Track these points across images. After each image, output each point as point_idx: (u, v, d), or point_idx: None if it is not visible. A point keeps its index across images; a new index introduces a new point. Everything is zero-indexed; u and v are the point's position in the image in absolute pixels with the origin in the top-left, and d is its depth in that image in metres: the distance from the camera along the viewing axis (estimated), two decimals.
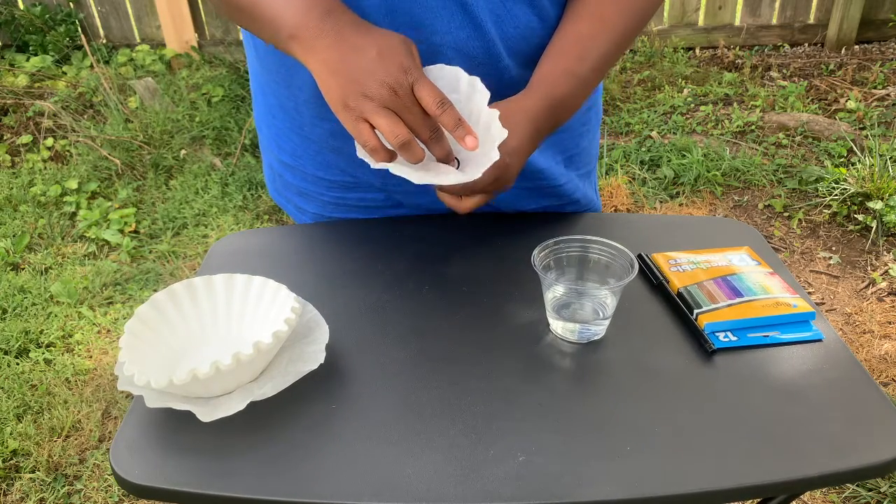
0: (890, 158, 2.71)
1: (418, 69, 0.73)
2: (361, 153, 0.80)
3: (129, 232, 2.73)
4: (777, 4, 3.80)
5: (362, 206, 1.04)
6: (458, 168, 0.81)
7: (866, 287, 2.28)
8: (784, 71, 3.64)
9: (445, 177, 0.78)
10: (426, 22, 0.84)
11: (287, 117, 0.99)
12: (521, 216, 1.03)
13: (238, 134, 3.28)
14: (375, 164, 0.77)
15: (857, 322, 2.14)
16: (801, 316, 0.81)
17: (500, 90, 0.89)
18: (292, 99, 0.95)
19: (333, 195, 1.04)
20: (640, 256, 0.92)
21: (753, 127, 3.17)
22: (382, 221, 1.04)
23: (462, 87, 0.81)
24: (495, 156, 0.77)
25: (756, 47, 3.89)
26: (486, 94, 0.79)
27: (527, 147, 0.85)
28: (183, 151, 3.22)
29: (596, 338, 0.80)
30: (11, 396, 1.99)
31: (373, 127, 0.74)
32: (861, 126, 3.10)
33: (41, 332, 2.23)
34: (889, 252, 2.42)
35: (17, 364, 2.11)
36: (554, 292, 0.80)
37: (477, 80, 0.81)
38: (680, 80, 3.61)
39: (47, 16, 4.07)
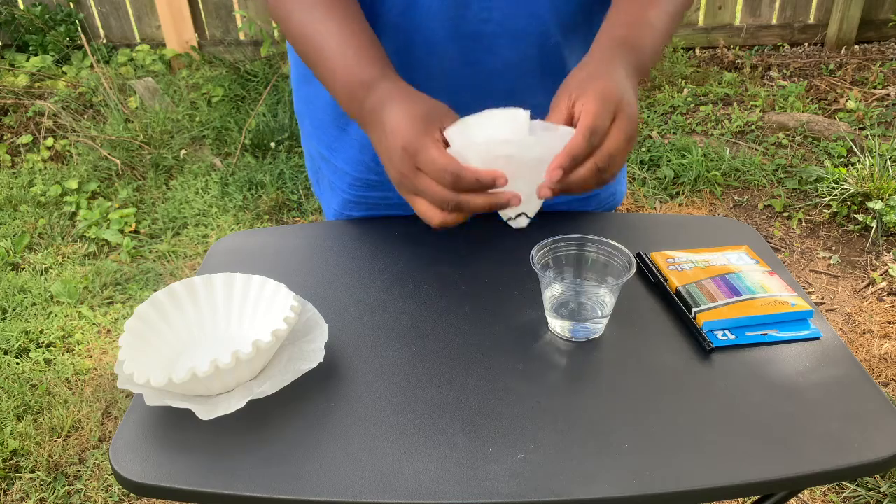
0: (890, 158, 2.71)
1: (423, 145, 0.68)
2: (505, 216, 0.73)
3: (129, 232, 2.73)
4: (777, 4, 3.80)
5: (384, 203, 1.05)
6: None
7: (866, 287, 2.28)
8: (784, 71, 3.64)
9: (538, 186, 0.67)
10: (477, 3, 0.83)
11: (329, 107, 1.00)
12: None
13: (238, 134, 3.28)
14: (516, 225, 0.71)
15: (857, 322, 2.14)
16: (800, 314, 0.81)
17: (542, 58, 0.87)
18: None
19: (356, 193, 1.05)
20: (638, 255, 0.92)
21: (753, 127, 3.17)
22: (382, 221, 1.04)
23: (505, 126, 0.71)
24: (565, 131, 0.67)
25: (756, 47, 3.89)
26: (526, 119, 0.71)
27: (616, 75, 0.73)
28: (183, 151, 3.22)
29: (594, 336, 0.80)
30: (11, 396, 1.99)
31: None
32: (861, 126, 3.10)
33: (41, 332, 2.23)
34: (889, 252, 2.42)
35: (17, 364, 2.11)
36: (552, 291, 0.81)
37: (517, 113, 0.71)
38: (680, 79, 3.61)
39: (47, 16, 4.07)
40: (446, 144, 0.70)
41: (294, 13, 0.80)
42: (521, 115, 0.70)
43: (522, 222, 0.71)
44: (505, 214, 0.72)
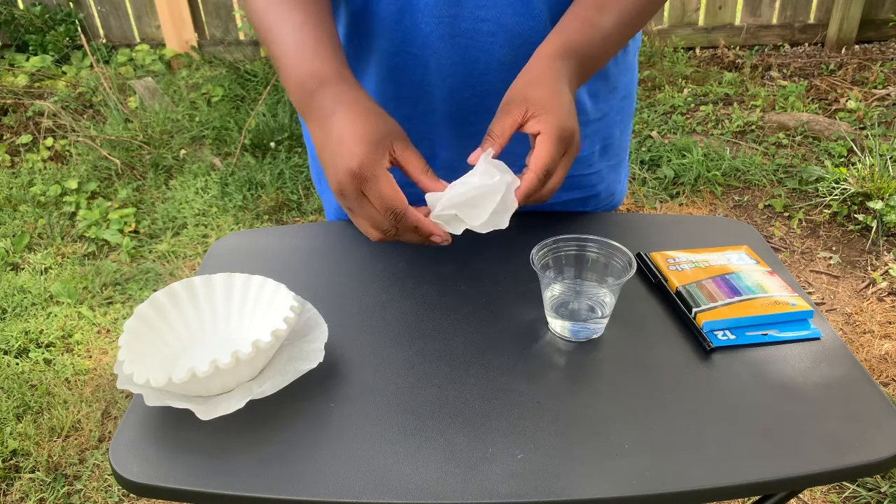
0: (890, 158, 2.71)
1: (373, 175, 0.69)
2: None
3: (129, 232, 2.73)
4: (777, 4, 3.80)
5: None
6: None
7: (866, 287, 2.28)
8: (784, 71, 3.64)
9: (485, 211, 0.75)
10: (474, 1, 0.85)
11: None
12: (520, 216, 1.03)
13: (238, 134, 3.28)
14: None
15: (858, 322, 2.14)
16: (800, 314, 0.81)
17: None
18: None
19: None
20: (638, 255, 0.92)
21: (753, 127, 3.17)
22: None
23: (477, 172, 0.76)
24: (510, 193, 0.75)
25: (756, 47, 3.89)
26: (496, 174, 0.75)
27: (564, 95, 0.77)
28: (183, 151, 3.22)
29: (594, 336, 0.80)
30: (11, 396, 1.99)
31: None
32: (861, 126, 3.10)
33: (41, 332, 2.23)
34: (889, 252, 2.42)
35: (17, 364, 2.11)
36: (552, 291, 0.81)
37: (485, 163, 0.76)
38: (680, 79, 3.61)
39: (47, 15, 4.07)
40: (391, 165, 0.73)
41: (260, 3, 0.81)
42: (497, 184, 0.75)
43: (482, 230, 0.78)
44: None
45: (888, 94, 3.31)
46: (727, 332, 0.79)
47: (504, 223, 0.76)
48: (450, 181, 0.76)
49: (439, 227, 0.75)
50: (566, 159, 0.77)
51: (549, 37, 0.83)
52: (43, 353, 2.14)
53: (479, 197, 0.74)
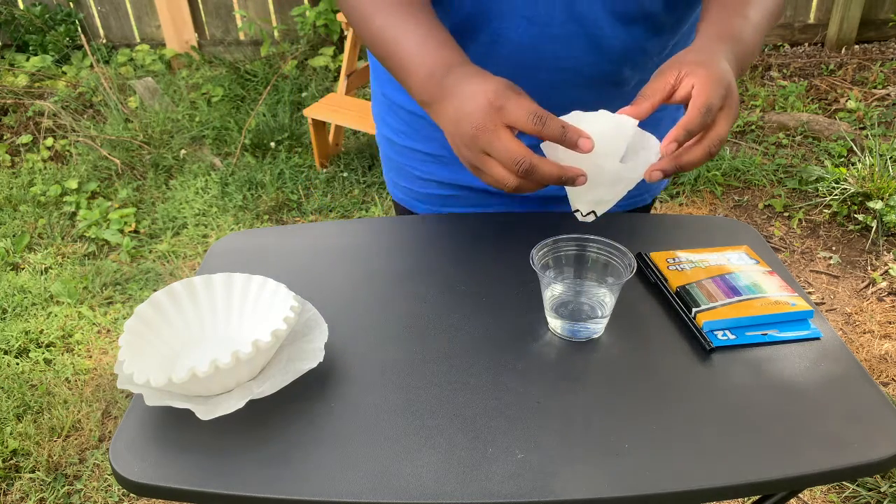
0: (890, 158, 2.71)
1: (509, 97, 0.68)
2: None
3: (129, 232, 2.73)
4: None
5: (448, 184, 1.06)
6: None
7: (866, 287, 2.28)
8: (784, 71, 3.64)
9: (628, 169, 0.69)
10: (553, 53, 0.87)
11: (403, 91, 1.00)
12: (519, 215, 1.03)
13: (238, 134, 3.28)
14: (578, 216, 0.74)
15: (857, 322, 2.14)
16: (800, 314, 0.81)
17: (610, 92, 0.90)
18: None
19: (426, 169, 1.07)
20: (638, 255, 0.92)
21: (753, 127, 3.17)
22: (382, 221, 1.04)
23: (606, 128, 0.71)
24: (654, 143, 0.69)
25: None
26: (629, 132, 0.71)
27: (722, 62, 0.73)
28: (183, 151, 3.22)
29: (594, 336, 0.80)
30: (11, 396, 1.99)
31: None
32: (861, 126, 3.10)
33: (41, 332, 2.23)
34: (889, 252, 2.42)
35: (17, 364, 2.11)
36: (552, 291, 0.81)
37: (625, 122, 0.71)
38: None
39: (47, 16, 4.07)
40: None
41: (375, 15, 0.81)
42: (628, 125, 0.70)
43: (590, 219, 0.74)
44: (576, 205, 0.74)
45: (888, 94, 3.32)
46: (727, 332, 0.79)
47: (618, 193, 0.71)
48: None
49: (587, 136, 0.67)
50: (727, 112, 0.70)
51: (701, 27, 0.80)
52: (43, 353, 2.14)
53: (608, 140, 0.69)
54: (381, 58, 0.82)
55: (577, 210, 0.74)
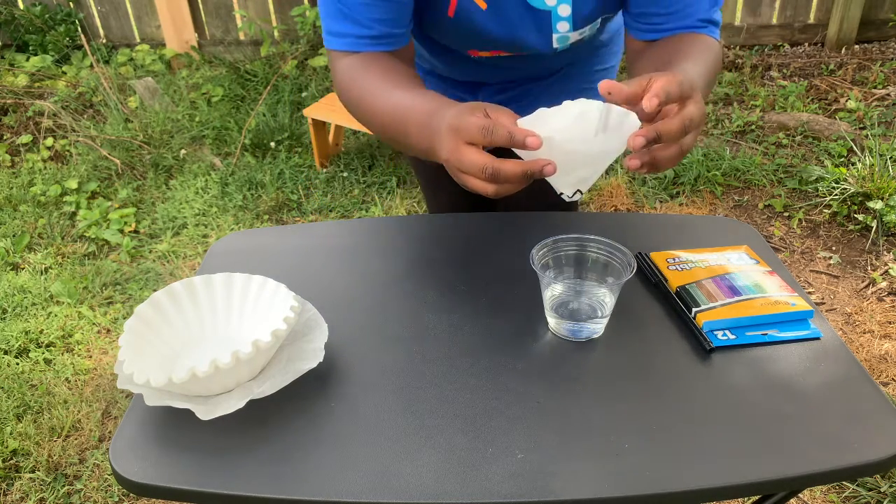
0: (890, 158, 2.71)
1: (464, 117, 0.74)
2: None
3: (129, 232, 2.73)
4: (777, 4, 3.80)
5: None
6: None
7: (866, 287, 2.28)
8: (784, 71, 3.64)
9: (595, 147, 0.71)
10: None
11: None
12: (520, 216, 1.03)
13: (238, 133, 3.28)
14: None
15: (857, 322, 2.14)
16: (800, 314, 0.81)
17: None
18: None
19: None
20: (638, 255, 0.92)
21: (753, 127, 3.17)
22: (382, 221, 1.04)
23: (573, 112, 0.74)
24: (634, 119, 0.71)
25: (756, 47, 3.89)
26: (596, 115, 0.72)
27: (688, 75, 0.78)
28: (183, 151, 3.22)
29: (594, 336, 0.80)
30: (11, 396, 1.99)
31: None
32: (861, 126, 3.10)
33: (41, 332, 2.23)
34: (889, 252, 2.42)
35: (17, 364, 2.11)
36: (552, 291, 0.81)
37: (590, 107, 0.73)
38: None
39: (47, 15, 4.07)
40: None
41: (363, 97, 0.92)
42: (592, 107, 0.72)
43: (577, 197, 0.76)
44: (560, 188, 0.76)
45: (888, 94, 3.31)
46: (727, 332, 0.79)
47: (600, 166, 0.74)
48: None
49: (534, 134, 0.71)
50: (695, 102, 0.73)
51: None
52: (43, 353, 2.14)
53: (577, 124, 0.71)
54: (389, 133, 0.90)
55: (562, 193, 0.76)
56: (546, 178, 0.74)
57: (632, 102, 0.71)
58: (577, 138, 0.71)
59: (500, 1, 0.94)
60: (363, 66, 0.93)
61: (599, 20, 1.01)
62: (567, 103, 0.73)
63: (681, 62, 0.85)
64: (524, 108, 0.78)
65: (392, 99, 0.88)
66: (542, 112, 0.74)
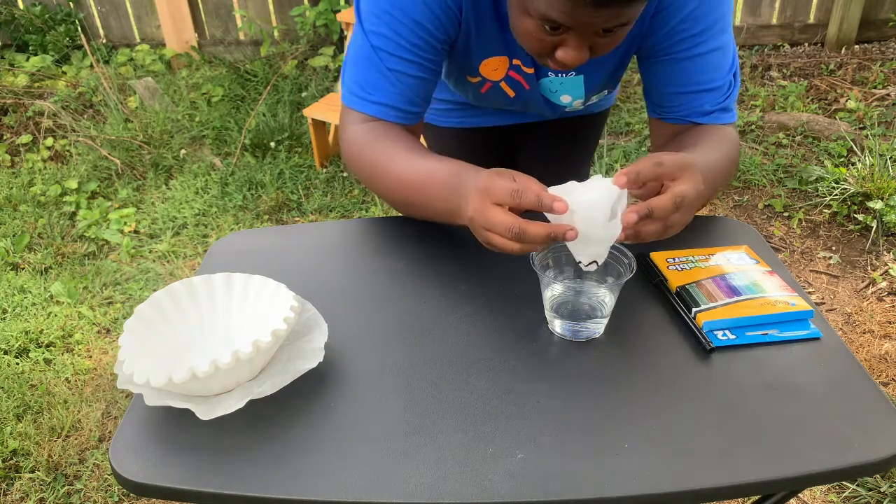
0: (890, 158, 2.71)
1: (493, 181, 0.78)
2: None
3: (129, 232, 2.73)
4: (777, 4, 3.80)
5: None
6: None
7: (866, 287, 2.28)
8: (784, 71, 3.64)
9: (609, 228, 0.77)
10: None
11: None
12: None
13: (238, 134, 3.28)
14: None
15: (857, 322, 2.14)
16: (800, 314, 0.81)
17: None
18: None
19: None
20: (639, 255, 0.92)
21: (753, 127, 3.17)
22: (382, 221, 1.04)
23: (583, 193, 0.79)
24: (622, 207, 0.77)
25: (756, 47, 3.89)
26: (614, 195, 0.77)
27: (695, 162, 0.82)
28: (183, 151, 3.22)
29: (594, 336, 0.80)
30: (11, 396, 1.99)
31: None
32: (861, 126, 3.10)
33: (41, 332, 2.23)
34: (889, 252, 2.42)
35: (17, 364, 2.11)
36: (552, 291, 0.81)
37: (612, 188, 0.78)
38: None
39: (47, 15, 4.07)
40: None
41: (380, 160, 0.95)
42: (614, 190, 0.76)
43: (592, 268, 0.80)
44: (578, 257, 0.79)
45: (888, 94, 3.31)
46: (727, 332, 0.79)
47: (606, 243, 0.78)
48: None
49: (559, 196, 0.76)
50: (686, 186, 0.77)
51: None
52: (43, 353, 2.14)
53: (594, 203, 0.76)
54: (407, 194, 0.93)
55: (580, 262, 0.79)
56: (568, 245, 0.79)
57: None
58: (598, 217, 0.76)
59: (525, 93, 1.09)
60: (383, 134, 0.96)
61: (605, 91, 1.17)
62: (596, 178, 0.78)
63: (690, 147, 0.92)
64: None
65: (414, 163, 0.92)
66: (572, 185, 0.78)
